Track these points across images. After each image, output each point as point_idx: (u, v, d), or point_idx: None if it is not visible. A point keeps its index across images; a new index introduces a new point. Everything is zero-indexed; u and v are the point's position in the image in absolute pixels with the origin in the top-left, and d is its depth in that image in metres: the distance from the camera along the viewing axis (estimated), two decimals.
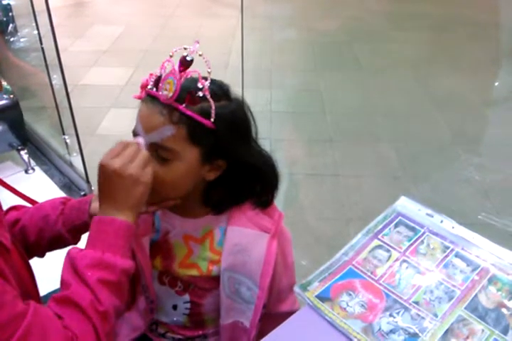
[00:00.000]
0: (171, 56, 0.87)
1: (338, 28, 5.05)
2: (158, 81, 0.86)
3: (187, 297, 1.08)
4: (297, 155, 3.09)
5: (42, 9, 2.30)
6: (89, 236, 0.86)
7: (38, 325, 0.72)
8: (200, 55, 0.85)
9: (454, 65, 4.30)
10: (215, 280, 1.03)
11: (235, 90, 0.95)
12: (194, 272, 1.03)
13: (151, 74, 0.89)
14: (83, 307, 0.77)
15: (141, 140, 0.88)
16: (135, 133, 0.90)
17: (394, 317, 0.94)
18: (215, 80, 0.88)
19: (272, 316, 1.07)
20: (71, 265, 0.81)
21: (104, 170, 0.85)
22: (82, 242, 1.04)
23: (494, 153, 3.12)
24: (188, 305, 1.09)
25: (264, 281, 0.99)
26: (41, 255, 1.04)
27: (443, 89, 3.87)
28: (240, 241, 0.99)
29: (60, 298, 0.79)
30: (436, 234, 1.09)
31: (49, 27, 2.25)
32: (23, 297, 0.77)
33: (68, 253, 0.83)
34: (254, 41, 4.37)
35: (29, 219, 1.01)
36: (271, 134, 3.17)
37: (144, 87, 0.89)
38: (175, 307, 1.10)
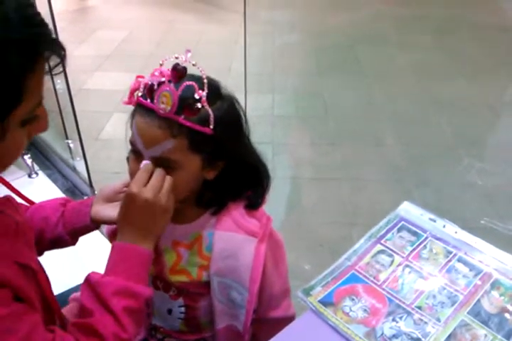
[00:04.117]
0: (161, 65, 0.86)
1: (340, 31, 5.06)
2: (151, 91, 0.85)
3: (181, 301, 1.08)
4: (300, 159, 3.09)
5: (45, 14, 2.31)
6: (110, 263, 0.86)
7: None
8: (193, 65, 0.84)
9: (457, 69, 4.29)
10: (206, 285, 1.03)
11: (238, 95, 0.95)
12: (184, 278, 1.03)
13: (138, 76, 0.88)
14: (107, 337, 0.77)
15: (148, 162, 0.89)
16: (133, 145, 0.90)
17: (397, 322, 0.94)
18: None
19: (266, 321, 1.08)
20: (93, 292, 0.81)
21: (134, 199, 0.86)
22: (80, 243, 1.05)
23: (497, 157, 3.11)
24: (183, 309, 1.09)
25: (254, 286, 0.98)
26: (40, 254, 1.04)
27: (446, 93, 3.86)
28: (228, 246, 0.99)
29: (83, 326, 0.79)
30: (439, 239, 1.09)
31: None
32: (46, 316, 0.78)
33: (89, 279, 0.83)
34: (256, 46, 4.38)
35: (29, 219, 1.01)
36: (273, 138, 3.17)
37: (133, 91, 0.89)
38: (170, 311, 1.10)
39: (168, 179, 0.88)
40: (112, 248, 0.88)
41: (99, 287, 0.81)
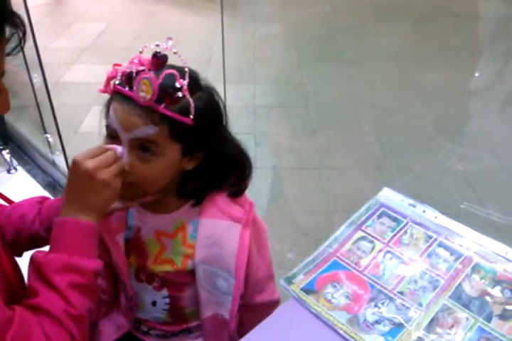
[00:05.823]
0: (140, 52, 0.84)
1: (320, 21, 5.05)
2: (129, 78, 0.83)
3: (165, 292, 1.07)
4: (281, 148, 3.09)
5: (21, 7, 2.27)
6: (52, 239, 0.84)
7: (23, 332, 0.71)
8: (175, 53, 0.82)
9: (437, 57, 4.32)
10: (191, 274, 1.02)
11: (218, 86, 0.94)
12: (168, 268, 1.02)
13: (115, 65, 0.86)
14: (56, 315, 0.76)
15: (119, 149, 0.86)
16: (110, 128, 0.88)
17: (379, 308, 0.94)
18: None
19: (252, 307, 1.08)
20: (37, 271, 0.79)
21: (75, 168, 0.83)
22: None
23: (477, 143, 3.14)
24: (167, 300, 1.08)
25: (240, 272, 0.99)
26: (19, 255, 1.02)
27: (425, 81, 3.88)
28: (213, 233, 0.98)
29: (32, 305, 0.77)
30: (419, 224, 1.10)
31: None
32: (10, 300, 0.77)
33: (32, 258, 0.81)
34: (236, 36, 4.35)
35: (6, 218, 0.99)
36: (255, 128, 3.16)
37: (109, 79, 0.87)
38: (154, 303, 1.10)
39: (120, 162, 0.85)
40: (54, 224, 0.85)
41: (41, 266, 0.78)
